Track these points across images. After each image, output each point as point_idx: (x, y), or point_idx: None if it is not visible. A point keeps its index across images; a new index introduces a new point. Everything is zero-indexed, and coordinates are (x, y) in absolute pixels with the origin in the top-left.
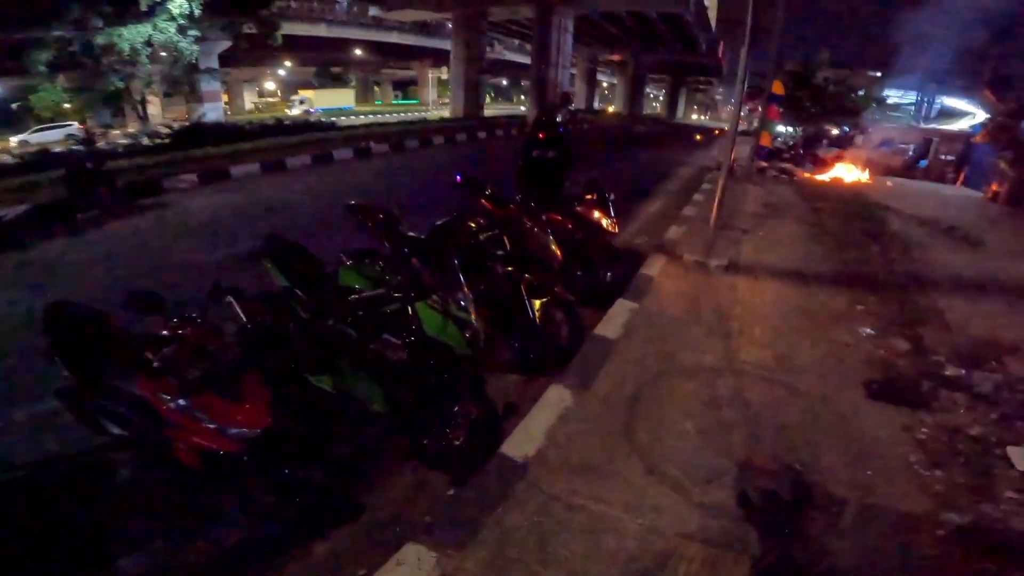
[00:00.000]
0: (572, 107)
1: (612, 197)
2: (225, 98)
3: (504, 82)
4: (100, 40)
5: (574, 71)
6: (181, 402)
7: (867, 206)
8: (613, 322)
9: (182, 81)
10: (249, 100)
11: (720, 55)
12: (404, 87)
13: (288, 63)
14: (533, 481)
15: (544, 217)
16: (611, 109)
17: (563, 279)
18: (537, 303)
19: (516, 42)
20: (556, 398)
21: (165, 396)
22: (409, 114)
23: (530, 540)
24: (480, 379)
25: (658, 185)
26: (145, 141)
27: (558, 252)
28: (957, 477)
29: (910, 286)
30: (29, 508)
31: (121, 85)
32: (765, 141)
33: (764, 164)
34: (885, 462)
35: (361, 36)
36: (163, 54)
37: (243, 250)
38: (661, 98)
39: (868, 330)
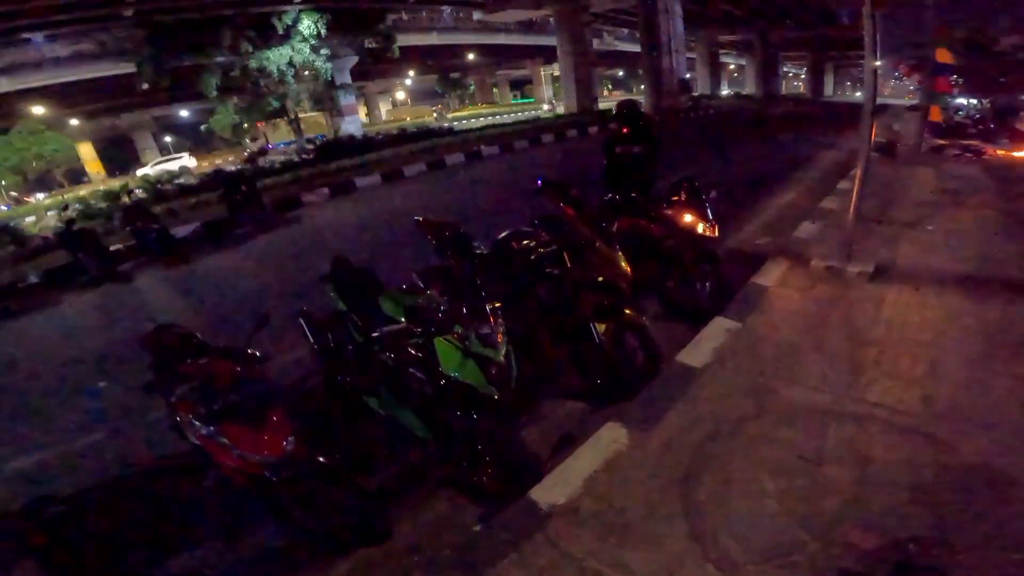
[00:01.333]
0: (694, 93)
1: (713, 195)
2: (364, 111)
3: (620, 73)
4: (253, 64)
5: (692, 55)
6: (206, 430)
7: None
8: (702, 347)
9: (324, 97)
10: (384, 110)
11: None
12: (520, 86)
13: (412, 72)
14: (552, 535)
15: (625, 224)
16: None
17: (654, 294)
18: (602, 326)
19: (625, 31)
20: (608, 438)
21: (196, 422)
22: (524, 113)
23: None
24: (508, 418)
25: (793, 173)
26: (294, 158)
27: (627, 269)
28: None
29: None
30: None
31: (277, 105)
32: (936, 116)
33: (942, 142)
34: None
35: (471, 40)
36: (305, 73)
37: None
38: (803, 76)
39: None
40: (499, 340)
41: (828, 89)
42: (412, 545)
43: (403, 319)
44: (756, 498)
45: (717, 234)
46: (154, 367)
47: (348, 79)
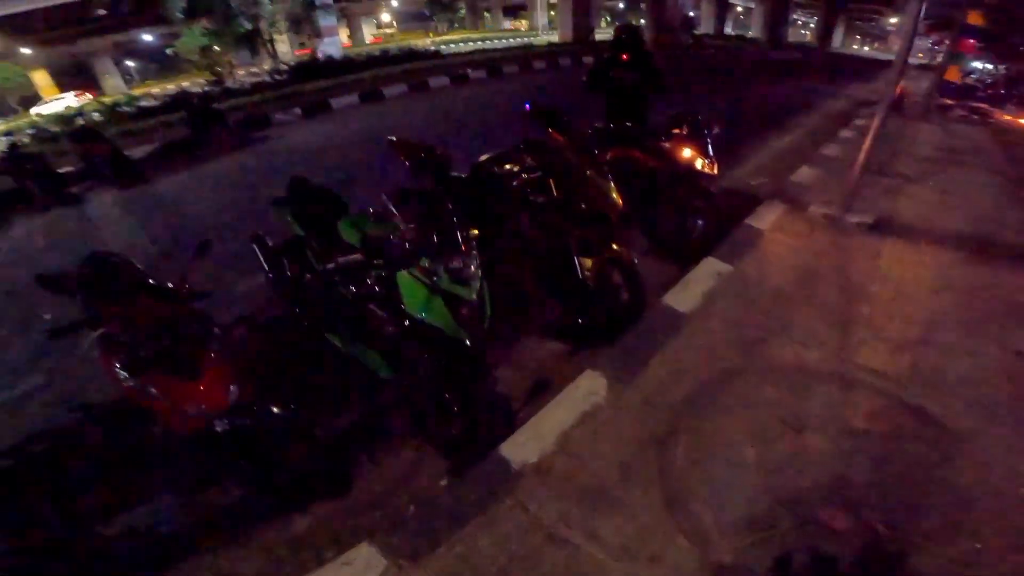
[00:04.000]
0: (697, 31)
1: (716, 131)
2: (346, 33)
3: (621, 5)
4: None
5: None
6: (132, 381)
7: None
8: (690, 289)
9: (302, 19)
10: (368, 33)
11: None
12: (515, 12)
13: None
14: (521, 498)
15: (618, 154)
16: (751, 35)
17: (642, 229)
18: (589, 261)
19: None
20: (586, 389)
21: (122, 372)
22: (517, 40)
23: (490, 569)
24: (479, 364)
25: (793, 118)
26: (267, 79)
27: (619, 200)
28: None
29: None
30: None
31: (249, 26)
32: (952, 76)
33: (949, 102)
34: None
35: None
36: None
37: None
38: (812, 25)
39: None
40: (472, 275)
41: (837, 42)
42: (373, 500)
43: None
44: (734, 466)
45: (716, 171)
46: (85, 303)
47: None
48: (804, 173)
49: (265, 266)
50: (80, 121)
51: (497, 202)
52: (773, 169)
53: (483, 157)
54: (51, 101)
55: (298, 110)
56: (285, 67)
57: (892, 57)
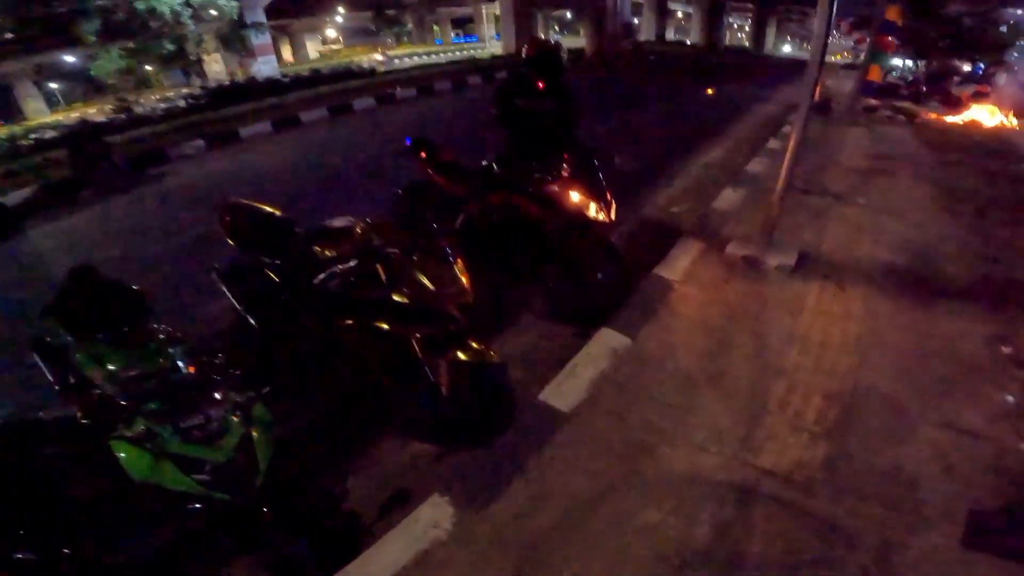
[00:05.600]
0: (638, 38)
1: (617, 162)
2: (289, 50)
3: (568, 15)
4: (141, 6)
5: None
6: None
7: (1022, 160)
8: (577, 377)
9: (231, 38)
10: (313, 49)
11: None
12: (463, 25)
13: (341, 9)
14: None
15: (500, 200)
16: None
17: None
18: (440, 362)
19: None
20: (428, 521)
21: None
22: (463, 53)
23: None
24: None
25: (723, 128)
26: (181, 103)
27: (466, 283)
28: None
29: None
30: None
31: (172, 48)
32: (874, 75)
33: (874, 102)
34: None
35: None
36: (213, 12)
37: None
38: (747, 28)
39: (1011, 398)
40: (220, 431)
41: (769, 43)
42: None
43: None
44: None
45: (614, 216)
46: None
47: (261, 17)
48: (727, 197)
49: (233, 300)
50: None
51: (319, 309)
52: (696, 191)
53: (305, 231)
54: None
55: (200, 142)
56: (200, 91)
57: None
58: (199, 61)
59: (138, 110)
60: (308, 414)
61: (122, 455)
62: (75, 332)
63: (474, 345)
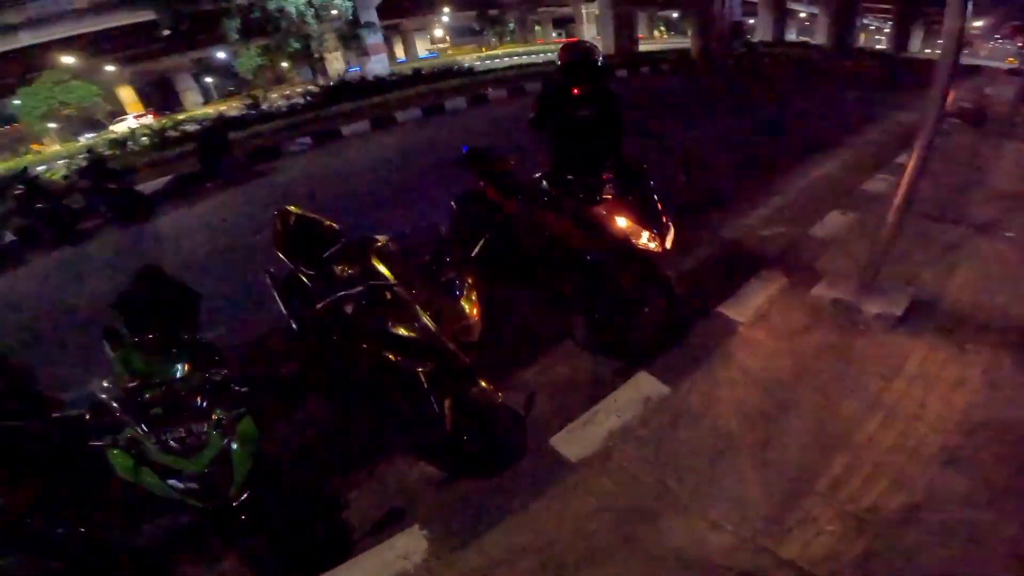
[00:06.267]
0: (750, 39)
1: (683, 180)
2: (401, 49)
3: (675, 15)
4: (272, 5)
5: None
6: None
7: None
8: (596, 426)
9: (348, 37)
10: (423, 48)
11: None
12: (564, 25)
13: (447, 9)
14: None
15: (550, 224)
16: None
17: (584, 317)
18: (446, 399)
19: None
20: (401, 550)
21: None
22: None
23: None
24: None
25: (844, 137)
26: (300, 101)
27: (473, 317)
28: None
29: None
30: None
31: (298, 46)
32: None
33: None
34: None
35: None
36: (333, 12)
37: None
38: (886, 30)
39: None
40: (199, 445)
41: (915, 46)
42: None
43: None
44: None
45: (669, 246)
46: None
47: (374, 17)
48: (832, 222)
49: (280, 302)
50: (134, 144)
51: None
52: (796, 212)
53: (364, 236)
54: (120, 121)
55: (308, 139)
56: (317, 89)
57: (978, 62)
58: (321, 59)
59: (265, 107)
60: (329, 423)
61: (111, 456)
62: (131, 329)
63: (482, 384)
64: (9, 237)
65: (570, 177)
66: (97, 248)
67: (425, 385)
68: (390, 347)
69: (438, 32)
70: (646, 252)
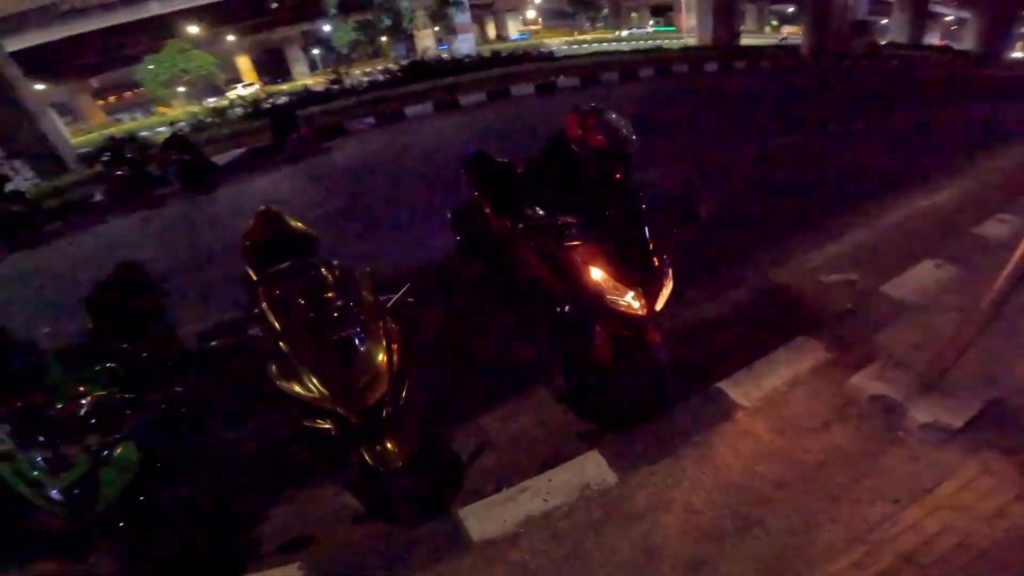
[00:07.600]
0: (876, 38)
1: (703, 216)
2: (493, 29)
3: (790, 9)
4: None
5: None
6: None
7: None
8: (514, 504)
9: (437, 15)
10: (514, 29)
11: None
12: (663, 13)
13: None
14: None
15: (521, 252)
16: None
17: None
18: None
19: None
20: None
21: None
22: (655, 43)
23: None
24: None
25: (963, 161)
26: (380, 78)
27: (378, 372)
28: None
29: None
30: None
31: (389, 22)
32: None
33: None
34: None
35: None
36: None
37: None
38: None
39: None
40: (65, 464)
41: None
42: None
43: None
44: None
45: (659, 307)
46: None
47: None
48: (919, 275)
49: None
50: (238, 111)
51: None
52: (880, 255)
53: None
54: (232, 88)
55: (371, 119)
56: (395, 67)
57: None
58: (411, 36)
59: (348, 83)
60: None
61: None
62: (97, 327)
63: (388, 446)
64: (99, 196)
65: (555, 203)
66: (168, 213)
67: (335, 438)
68: (292, 404)
69: (531, 13)
70: (628, 314)
